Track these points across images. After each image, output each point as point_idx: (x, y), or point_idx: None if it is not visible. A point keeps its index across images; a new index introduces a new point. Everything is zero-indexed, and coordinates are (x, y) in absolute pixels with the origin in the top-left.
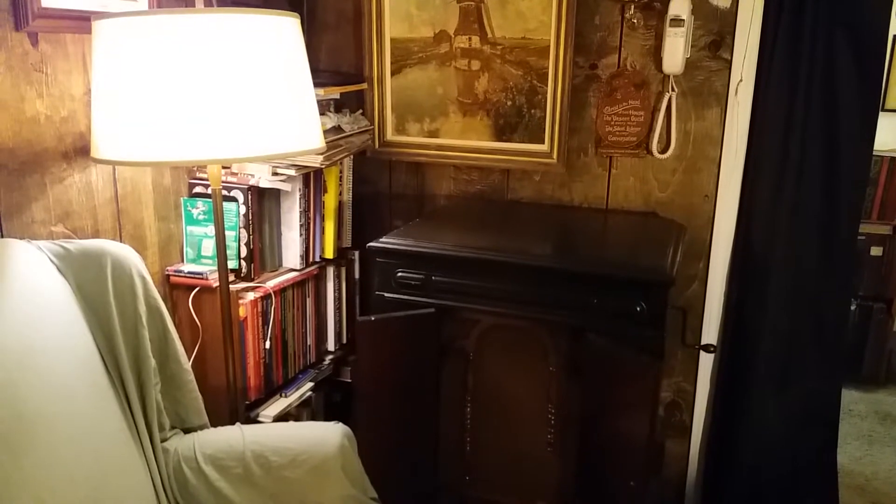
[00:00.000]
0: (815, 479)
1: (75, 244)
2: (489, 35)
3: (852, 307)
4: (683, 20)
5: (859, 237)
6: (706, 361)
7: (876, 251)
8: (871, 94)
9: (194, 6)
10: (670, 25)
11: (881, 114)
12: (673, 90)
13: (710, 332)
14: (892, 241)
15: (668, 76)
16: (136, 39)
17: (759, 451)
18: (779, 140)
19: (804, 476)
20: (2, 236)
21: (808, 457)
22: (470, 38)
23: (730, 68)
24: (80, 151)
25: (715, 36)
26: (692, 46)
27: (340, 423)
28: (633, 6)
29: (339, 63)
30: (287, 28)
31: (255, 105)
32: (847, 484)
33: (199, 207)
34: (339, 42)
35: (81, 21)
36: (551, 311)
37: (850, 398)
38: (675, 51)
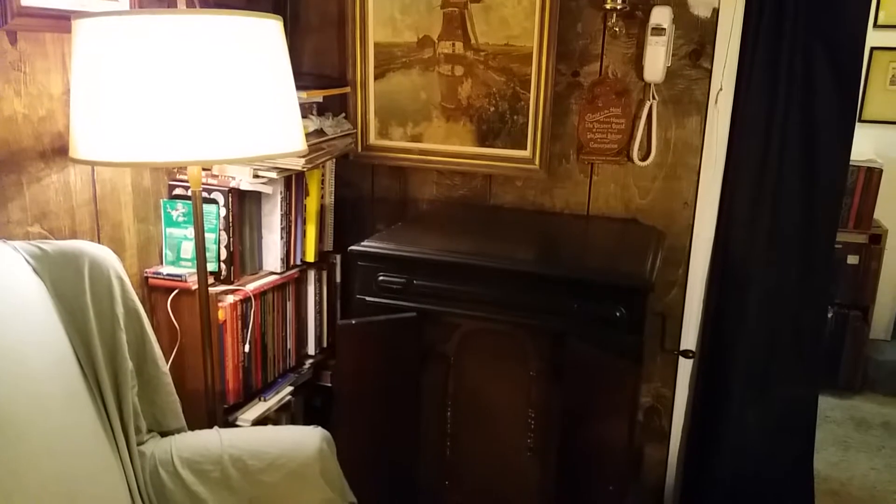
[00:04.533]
0: (792, 485)
1: (52, 245)
2: (472, 41)
3: (829, 315)
4: (664, 29)
5: (836, 246)
6: (685, 367)
7: (853, 259)
8: (847, 105)
9: (176, 7)
10: (651, 34)
11: (858, 124)
12: (654, 98)
13: (690, 337)
14: (868, 249)
15: (649, 84)
16: (117, 39)
17: (736, 457)
18: (757, 149)
19: (781, 482)
20: None
21: (786, 463)
22: (453, 44)
23: (710, 77)
24: (58, 151)
25: (695, 45)
26: (673, 55)
27: (319, 427)
28: (615, 14)
29: (323, 66)
30: (270, 30)
31: (237, 107)
32: (822, 489)
33: (179, 209)
34: (323, 45)
35: (61, 20)
36: (532, 315)
37: (827, 405)
38: (656, 59)
